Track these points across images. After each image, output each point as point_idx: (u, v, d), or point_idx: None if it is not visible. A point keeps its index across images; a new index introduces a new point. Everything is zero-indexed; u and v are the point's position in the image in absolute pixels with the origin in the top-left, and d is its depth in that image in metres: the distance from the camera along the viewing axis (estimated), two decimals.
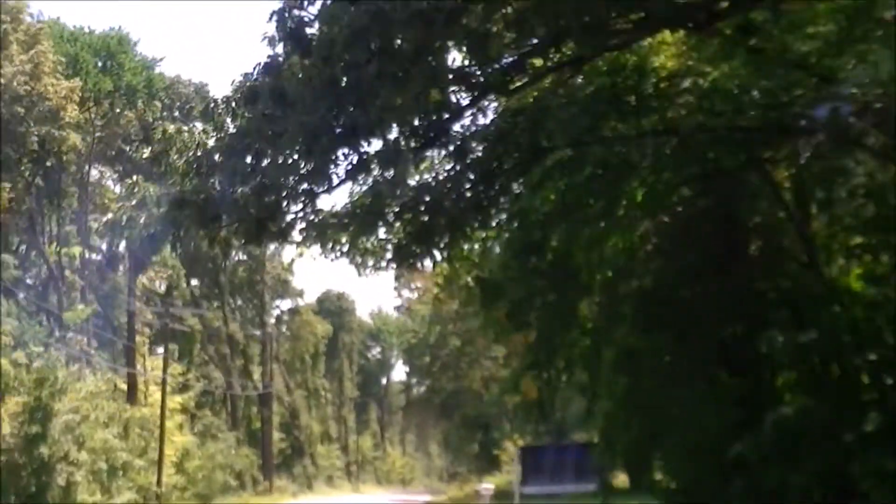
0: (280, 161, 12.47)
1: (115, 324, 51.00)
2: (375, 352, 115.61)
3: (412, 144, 12.68)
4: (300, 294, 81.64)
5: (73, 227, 42.67)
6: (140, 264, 49.41)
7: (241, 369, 66.20)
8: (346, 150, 12.35)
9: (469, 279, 19.81)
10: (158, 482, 37.73)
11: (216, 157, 12.84)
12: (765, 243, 15.57)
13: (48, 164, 37.25)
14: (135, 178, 12.93)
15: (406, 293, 78.40)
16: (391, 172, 13.03)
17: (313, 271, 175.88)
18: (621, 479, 32.35)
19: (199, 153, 13.39)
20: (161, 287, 54.46)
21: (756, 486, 12.31)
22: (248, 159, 12.54)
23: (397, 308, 78.68)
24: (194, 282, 64.63)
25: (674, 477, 15.27)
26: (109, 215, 13.71)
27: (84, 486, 30.20)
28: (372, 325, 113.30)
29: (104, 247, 52.13)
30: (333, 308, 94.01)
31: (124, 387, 48.21)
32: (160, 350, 56.90)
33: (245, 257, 70.42)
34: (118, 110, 42.22)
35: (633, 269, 16.00)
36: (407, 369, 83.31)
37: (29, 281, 42.48)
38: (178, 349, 57.28)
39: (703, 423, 13.47)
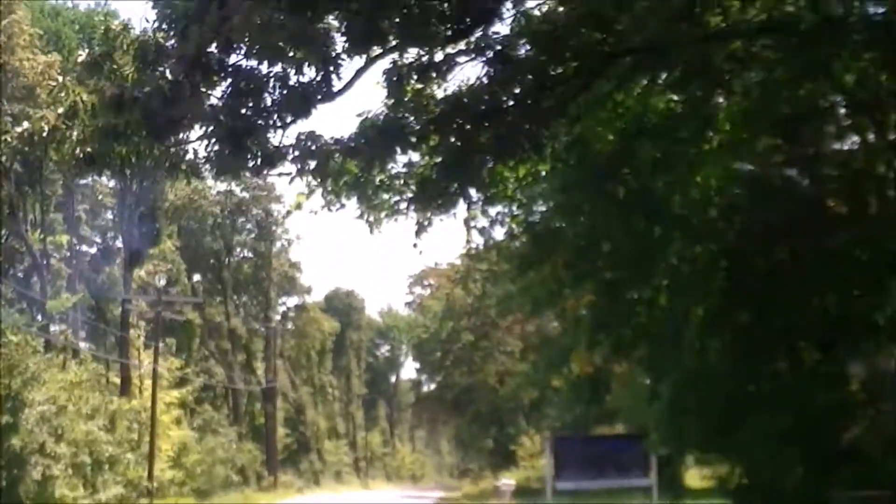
0: (258, 40, 9.27)
1: (107, 315, 48.84)
2: (384, 350, 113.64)
3: (441, 33, 9.86)
4: (307, 291, 79.40)
5: (58, 215, 40.21)
6: (137, 257, 47.19)
7: (244, 365, 63.91)
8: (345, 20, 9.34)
9: (514, 226, 15.69)
10: (150, 476, 35.37)
11: (166, 36, 9.65)
12: (854, 201, 12.62)
13: (27, 148, 34.59)
14: (61, 79, 10.65)
15: (418, 289, 76.08)
16: (412, 54, 10.02)
17: (322, 268, 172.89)
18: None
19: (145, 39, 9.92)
20: (160, 282, 52.34)
21: (871, 477, 9.68)
22: (214, 46, 9.44)
23: (408, 304, 76.25)
24: (196, 277, 62.52)
25: (751, 470, 12.33)
26: (25, 124, 11.28)
27: (63, 480, 27.81)
28: (381, 324, 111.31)
29: (98, 238, 49.87)
30: (342, 306, 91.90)
31: (117, 380, 46.13)
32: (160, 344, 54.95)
33: (251, 254, 68.25)
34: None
35: (717, 221, 12.86)
36: (417, 365, 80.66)
37: (12, 270, 39.81)
38: (177, 343, 54.93)
39: (794, 406, 10.73)
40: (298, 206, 13.75)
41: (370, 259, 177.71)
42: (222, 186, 62.44)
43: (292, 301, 79.17)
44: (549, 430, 60.60)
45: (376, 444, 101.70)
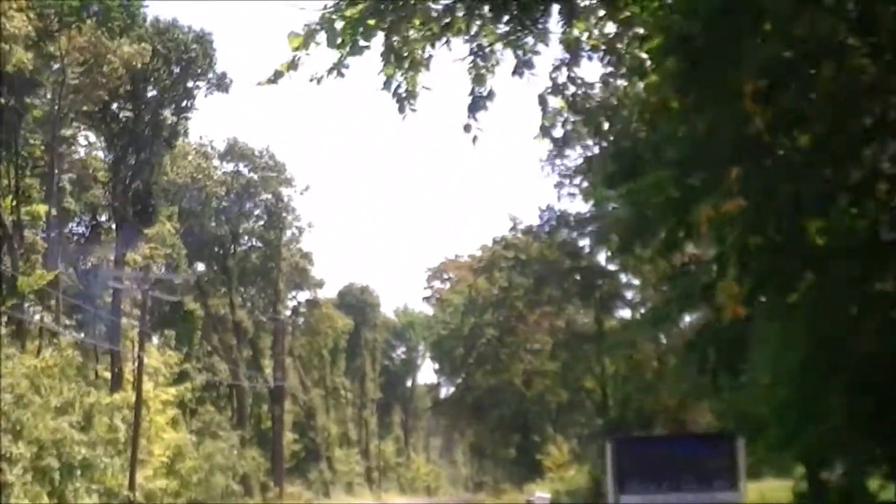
0: None
1: (98, 303, 43.78)
2: (400, 352, 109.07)
3: None
4: (319, 284, 73.81)
5: (35, 181, 35.10)
6: (131, 238, 42.15)
7: (250, 362, 58.67)
8: None
9: (640, 54, 10.25)
10: (131, 484, 30.12)
11: None
12: None
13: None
14: None
15: (437, 283, 70.80)
16: None
17: (335, 261, 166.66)
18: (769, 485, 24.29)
19: None
20: (160, 269, 47.51)
21: None
22: None
23: (426, 299, 71.08)
24: (200, 267, 57.53)
25: None
26: None
27: (21, 487, 22.72)
28: (397, 323, 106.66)
29: (86, 215, 44.72)
30: (356, 302, 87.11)
31: (107, 374, 41.12)
32: (157, 336, 49.97)
33: (259, 243, 63.03)
34: (90, 45, 33.77)
35: None
36: (436, 366, 75.21)
37: None
38: (176, 335, 50.02)
39: None
40: (293, 67, 8.57)
41: (385, 252, 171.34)
42: (229, 166, 57.72)
43: (303, 295, 73.77)
44: (578, 437, 55.29)
45: (390, 453, 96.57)
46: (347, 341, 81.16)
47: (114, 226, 43.40)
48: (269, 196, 60.16)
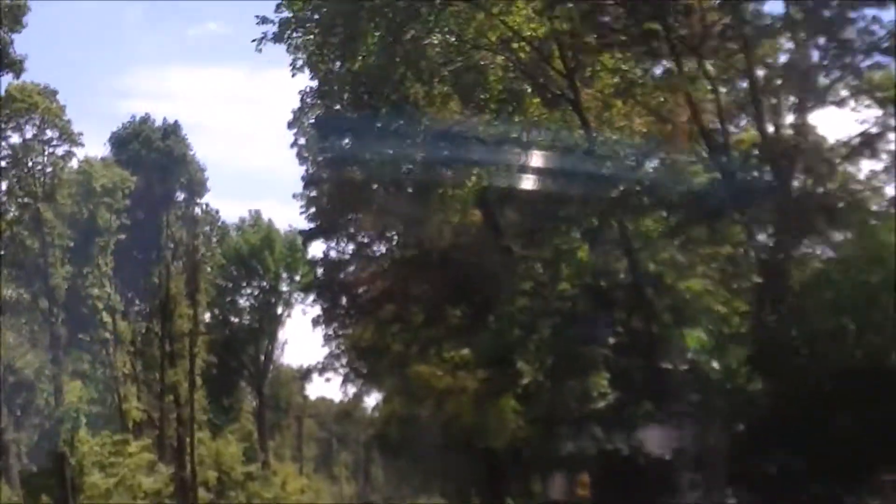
0: None
1: None
2: (247, 293, 66.85)
3: None
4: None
5: None
6: None
7: None
8: None
9: None
10: None
11: None
12: None
13: None
14: None
15: None
16: None
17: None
18: None
19: None
20: None
21: None
22: None
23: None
24: None
25: None
26: None
27: None
28: (241, 244, 64.21)
29: None
30: (152, 158, 44.16)
31: None
32: None
33: None
34: None
35: None
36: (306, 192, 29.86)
37: None
38: None
39: None
40: None
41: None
42: None
43: None
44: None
45: (232, 457, 52.29)
46: (130, 230, 38.02)
47: None
48: None
